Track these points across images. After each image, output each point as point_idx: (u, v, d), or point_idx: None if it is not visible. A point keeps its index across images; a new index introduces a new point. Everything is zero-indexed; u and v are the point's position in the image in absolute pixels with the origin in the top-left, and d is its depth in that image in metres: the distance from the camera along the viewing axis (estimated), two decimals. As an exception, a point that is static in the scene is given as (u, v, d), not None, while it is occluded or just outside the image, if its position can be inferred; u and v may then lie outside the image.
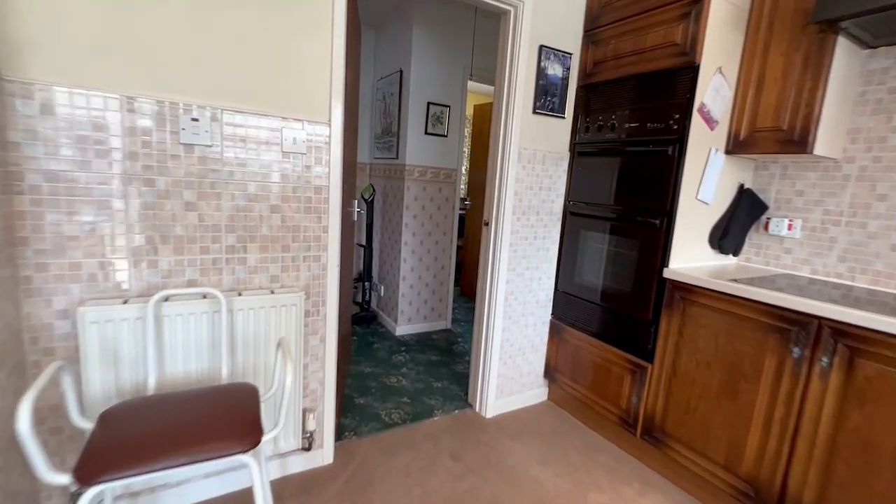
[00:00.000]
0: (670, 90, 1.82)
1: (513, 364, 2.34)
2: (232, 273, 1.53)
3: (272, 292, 1.55)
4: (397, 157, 3.28)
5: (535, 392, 2.47)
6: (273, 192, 1.56)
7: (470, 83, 3.37)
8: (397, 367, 2.82)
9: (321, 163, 1.64)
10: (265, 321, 1.51)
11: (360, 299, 3.71)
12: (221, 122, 1.43)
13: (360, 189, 3.69)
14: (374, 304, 3.80)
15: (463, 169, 4.99)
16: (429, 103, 3.17)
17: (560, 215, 2.35)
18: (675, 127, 1.79)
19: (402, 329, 3.39)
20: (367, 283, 3.61)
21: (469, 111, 5.26)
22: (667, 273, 1.82)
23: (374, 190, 3.53)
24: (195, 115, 1.38)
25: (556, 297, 2.41)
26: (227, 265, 1.51)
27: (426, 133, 3.20)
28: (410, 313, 3.41)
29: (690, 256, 1.91)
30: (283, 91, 1.52)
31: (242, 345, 1.49)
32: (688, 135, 1.76)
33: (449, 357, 3.02)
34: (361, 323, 3.57)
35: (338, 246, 1.74)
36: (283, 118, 1.53)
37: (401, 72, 3.19)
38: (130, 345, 1.31)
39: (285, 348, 1.23)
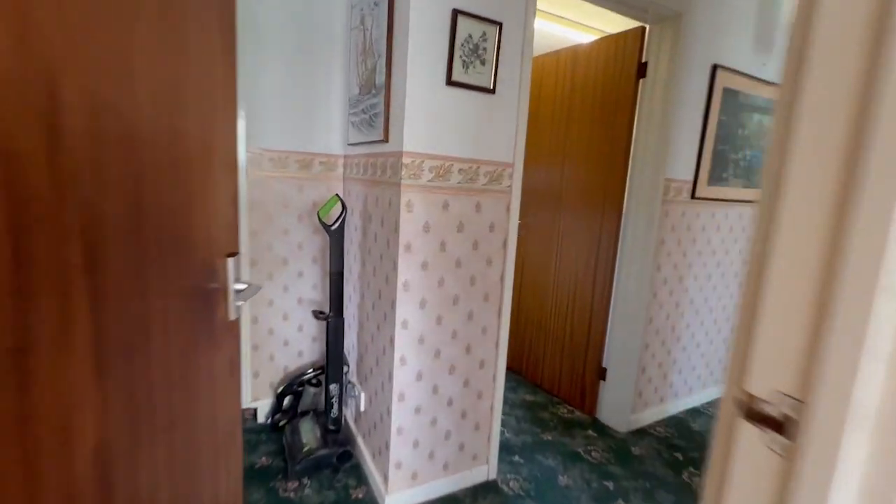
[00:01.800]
0: None
1: None
2: None
3: None
4: (386, 140, 1.53)
5: None
6: None
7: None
8: None
9: None
10: None
11: (322, 405, 1.97)
12: None
13: (317, 206, 1.94)
14: (350, 419, 2.05)
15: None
16: (455, 12, 1.40)
17: None
18: None
19: (397, 499, 1.62)
20: (333, 387, 1.87)
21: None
22: None
23: (343, 207, 1.78)
24: None
25: None
26: None
27: (449, 83, 1.43)
28: (415, 462, 1.64)
29: None
30: None
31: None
32: None
33: None
34: (320, 469, 1.81)
35: None
36: None
37: (393, -53, 1.43)
38: None
39: None
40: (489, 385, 1.75)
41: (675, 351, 2.42)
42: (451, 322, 1.60)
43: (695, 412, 2.53)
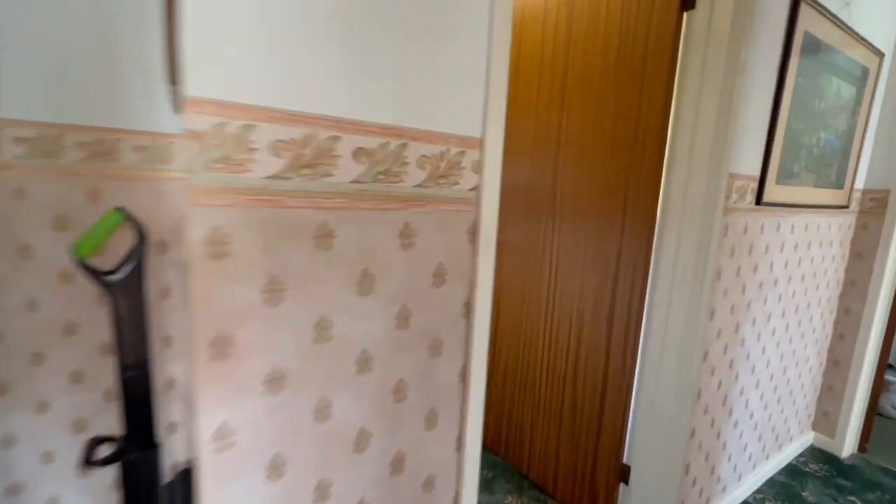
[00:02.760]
0: None
1: None
2: None
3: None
4: (175, 82, 0.64)
5: None
6: None
7: None
8: None
9: None
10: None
11: None
12: None
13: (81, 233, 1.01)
14: None
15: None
16: None
17: None
18: None
19: None
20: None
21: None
22: None
23: (141, 234, 0.87)
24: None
25: None
26: None
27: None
28: None
29: None
30: None
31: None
32: None
33: None
34: None
35: None
36: None
37: None
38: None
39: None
40: (443, 582, 0.89)
41: (725, 431, 1.63)
42: (350, 488, 0.73)
43: (749, 511, 1.75)
